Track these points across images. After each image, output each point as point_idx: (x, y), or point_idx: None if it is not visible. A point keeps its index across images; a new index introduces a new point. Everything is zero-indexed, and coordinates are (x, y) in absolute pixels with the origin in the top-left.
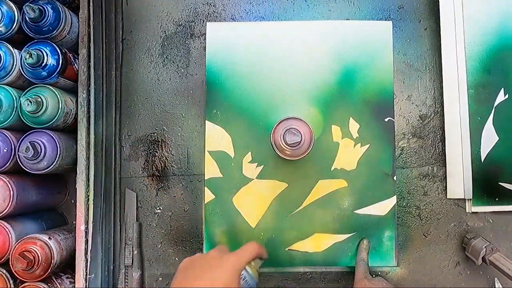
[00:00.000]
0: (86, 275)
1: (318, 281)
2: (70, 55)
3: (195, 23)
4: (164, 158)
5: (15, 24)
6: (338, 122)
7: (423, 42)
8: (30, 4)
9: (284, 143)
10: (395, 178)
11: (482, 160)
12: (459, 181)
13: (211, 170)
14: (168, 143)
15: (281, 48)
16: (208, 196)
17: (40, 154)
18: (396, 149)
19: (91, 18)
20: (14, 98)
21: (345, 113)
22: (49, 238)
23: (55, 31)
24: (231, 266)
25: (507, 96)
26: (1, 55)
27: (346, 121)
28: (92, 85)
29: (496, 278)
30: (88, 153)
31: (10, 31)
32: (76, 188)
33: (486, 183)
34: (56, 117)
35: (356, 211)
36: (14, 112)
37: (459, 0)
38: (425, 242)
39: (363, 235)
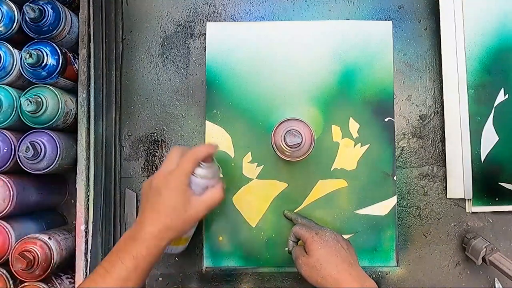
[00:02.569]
0: (86, 275)
1: None
2: (70, 55)
3: (195, 23)
4: (164, 158)
5: (15, 24)
6: (338, 122)
7: (423, 42)
8: (30, 4)
9: (284, 145)
10: (395, 178)
11: (482, 160)
12: (459, 181)
13: None
14: (168, 143)
15: (281, 48)
16: None
17: (40, 154)
18: (396, 149)
19: (91, 18)
20: (14, 98)
21: (345, 113)
22: (49, 238)
23: (55, 31)
24: (174, 184)
25: (507, 96)
26: (1, 55)
27: (346, 121)
28: (92, 85)
29: (496, 278)
30: (88, 153)
31: (10, 31)
32: (76, 188)
33: (486, 183)
34: (56, 117)
35: (356, 211)
36: (14, 112)
37: (459, 0)
38: (425, 242)
39: (363, 235)
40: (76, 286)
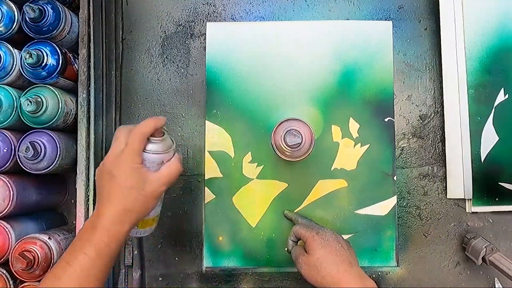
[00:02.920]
0: None
1: None
2: (70, 55)
3: (195, 23)
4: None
5: (15, 24)
6: (338, 122)
7: (423, 42)
8: (30, 4)
9: (284, 145)
10: (395, 178)
11: (482, 160)
12: (459, 181)
13: (211, 170)
14: None
15: (281, 48)
16: (208, 196)
17: (40, 154)
18: (396, 149)
19: (91, 18)
20: (14, 98)
21: (345, 113)
22: (49, 238)
23: (55, 31)
24: (125, 164)
25: (507, 96)
26: (1, 55)
27: (346, 121)
28: (92, 85)
29: (496, 278)
30: (88, 153)
31: (10, 31)
32: (76, 188)
33: (486, 183)
34: (56, 117)
35: (356, 211)
36: (14, 112)
37: (459, 0)
38: (425, 242)
39: (363, 235)
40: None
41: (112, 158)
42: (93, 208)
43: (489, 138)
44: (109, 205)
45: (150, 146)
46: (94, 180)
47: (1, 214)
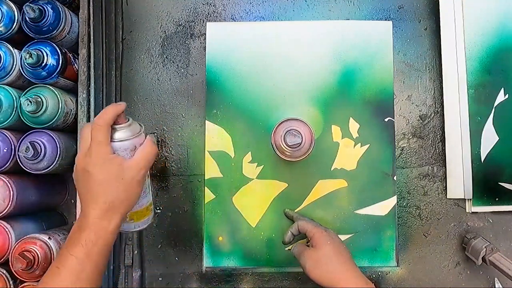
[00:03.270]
0: None
1: None
2: (70, 55)
3: (195, 23)
4: (164, 158)
5: (15, 24)
6: (338, 122)
7: (423, 42)
8: (30, 4)
9: (284, 145)
10: (395, 178)
11: (482, 160)
12: (459, 181)
13: (211, 170)
14: (168, 143)
15: (281, 48)
16: (208, 196)
17: (40, 154)
18: (396, 149)
19: (91, 18)
20: (14, 98)
21: (345, 113)
22: (49, 238)
23: (55, 31)
24: (96, 158)
25: (507, 96)
26: (1, 55)
27: (346, 121)
28: (92, 85)
29: (496, 278)
30: None
31: (10, 31)
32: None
33: (486, 183)
34: (56, 117)
35: (356, 211)
36: (14, 112)
37: (459, 0)
38: (425, 242)
39: (363, 235)
40: None
41: (82, 155)
42: None
43: (489, 138)
44: (91, 202)
45: (117, 135)
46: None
47: (1, 214)
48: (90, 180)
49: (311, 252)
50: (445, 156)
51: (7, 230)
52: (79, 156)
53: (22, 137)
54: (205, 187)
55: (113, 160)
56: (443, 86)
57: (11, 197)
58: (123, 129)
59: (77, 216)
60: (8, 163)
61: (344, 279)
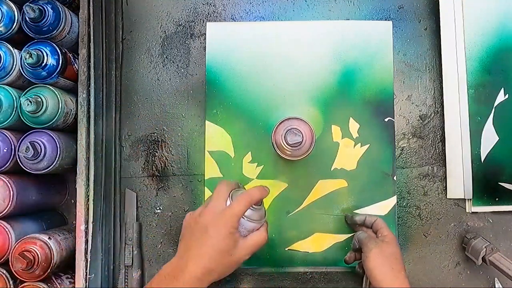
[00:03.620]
0: (86, 275)
1: (318, 281)
2: (70, 55)
3: (195, 23)
4: (164, 158)
5: (15, 24)
6: (338, 122)
7: (423, 42)
8: (30, 4)
9: (285, 143)
10: (395, 178)
11: (482, 160)
12: (459, 181)
13: (211, 170)
14: (168, 143)
15: (281, 48)
16: (208, 196)
17: (40, 154)
18: (396, 149)
19: (91, 18)
20: (14, 98)
21: (345, 113)
22: (49, 238)
23: (55, 31)
24: (224, 226)
25: (507, 96)
26: (1, 55)
27: (346, 121)
28: (92, 85)
29: (496, 278)
30: (88, 153)
31: (10, 31)
32: (76, 188)
33: (486, 183)
34: (56, 117)
35: (356, 211)
36: (14, 112)
37: (459, 0)
38: (425, 242)
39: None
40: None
41: (211, 215)
42: (93, 208)
43: (489, 138)
44: (197, 262)
45: (249, 213)
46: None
47: (1, 214)
48: (207, 241)
49: (384, 246)
50: (445, 156)
51: (7, 230)
52: (209, 211)
53: (22, 137)
54: (205, 187)
55: (234, 236)
56: (443, 86)
57: (11, 197)
58: (256, 211)
59: (77, 216)
60: (8, 163)
61: (402, 283)
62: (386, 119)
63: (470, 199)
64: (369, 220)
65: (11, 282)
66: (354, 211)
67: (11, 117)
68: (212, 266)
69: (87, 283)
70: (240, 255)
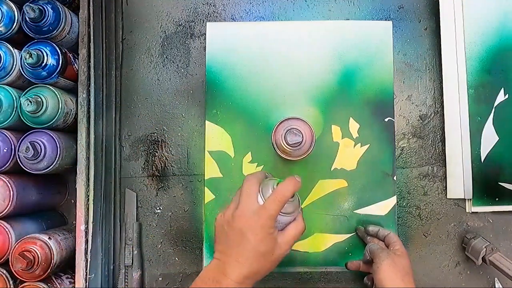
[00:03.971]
0: (86, 275)
1: (318, 281)
2: (70, 55)
3: (195, 23)
4: (164, 158)
5: (15, 24)
6: (338, 122)
7: (423, 42)
8: (30, 4)
9: (285, 143)
10: (395, 178)
11: (482, 160)
12: (459, 181)
13: (211, 170)
14: (168, 143)
15: (281, 48)
16: (208, 196)
17: (40, 154)
18: (396, 149)
19: (91, 18)
20: (14, 98)
21: (345, 113)
22: (49, 238)
23: (55, 31)
24: (261, 229)
25: (507, 96)
26: (1, 55)
27: (346, 121)
28: (92, 85)
29: (496, 278)
30: (88, 153)
31: (10, 31)
32: (76, 188)
33: (486, 183)
34: (56, 117)
35: (356, 211)
36: (14, 112)
37: (459, 0)
38: (425, 242)
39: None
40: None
41: (245, 217)
42: (93, 208)
43: (489, 138)
44: (238, 266)
45: (284, 208)
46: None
47: (1, 214)
48: (245, 245)
49: (396, 258)
50: (445, 156)
51: (7, 230)
52: (242, 214)
53: (22, 137)
54: (205, 187)
55: (272, 235)
56: (443, 86)
57: (11, 197)
58: (291, 204)
59: (77, 216)
60: (8, 163)
61: None
62: (386, 119)
63: (470, 199)
64: (382, 233)
65: (11, 282)
66: (354, 211)
67: (11, 117)
68: (255, 269)
69: (87, 283)
70: (282, 250)
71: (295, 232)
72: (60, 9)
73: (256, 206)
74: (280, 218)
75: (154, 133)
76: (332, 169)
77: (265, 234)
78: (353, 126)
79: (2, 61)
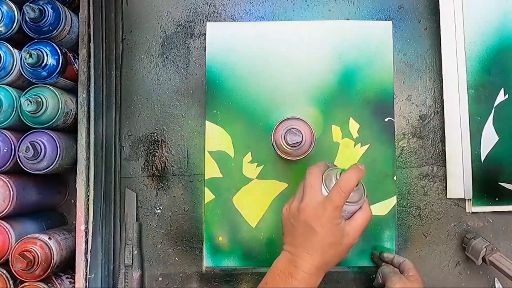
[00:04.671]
0: (86, 275)
1: None
2: (70, 55)
3: (195, 23)
4: (164, 158)
5: (15, 24)
6: (338, 122)
7: (423, 42)
8: (30, 4)
9: (285, 143)
10: (395, 178)
11: (482, 160)
12: (459, 181)
13: (211, 170)
14: (168, 143)
15: (281, 48)
16: (208, 196)
17: (40, 154)
18: (396, 149)
19: (91, 18)
20: (14, 98)
21: (345, 113)
22: (49, 238)
23: (55, 31)
24: (328, 221)
25: (507, 96)
26: (1, 55)
27: (346, 121)
28: (92, 85)
29: (496, 278)
30: (88, 153)
31: (10, 31)
32: (76, 188)
33: (486, 183)
34: (56, 117)
35: None
36: (14, 112)
37: (459, 0)
38: (425, 242)
39: (363, 235)
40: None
41: (311, 210)
42: (93, 208)
43: (489, 138)
44: (309, 259)
45: (350, 197)
46: (281, 220)
47: (1, 214)
48: (313, 237)
49: (406, 281)
50: (445, 156)
51: (7, 230)
52: (307, 207)
53: (22, 137)
54: (205, 187)
55: (339, 225)
56: (443, 86)
57: (11, 197)
58: (356, 192)
59: (77, 216)
60: (8, 163)
61: None
62: (386, 119)
63: (470, 199)
64: (397, 260)
65: (11, 282)
66: None
67: (11, 117)
68: (325, 260)
69: (87, 283)
70: (350, 239)
71: (362, 220)
72: (60, 9)
73: (321, 197)
74: (346, 208)
75: (154, 133)
76: None
77: (332, 225)
78: (353, 126)
79: (2, 61)
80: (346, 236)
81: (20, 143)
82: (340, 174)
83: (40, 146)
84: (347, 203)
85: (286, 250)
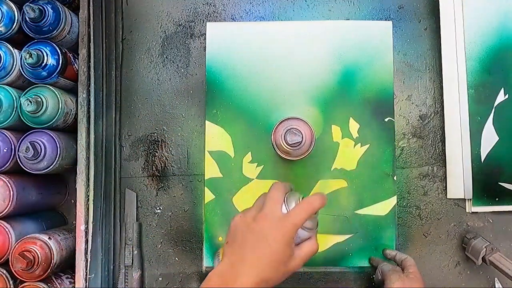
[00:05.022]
0: (86, 275)
1: (318, 281)
2: (70, 55)
3: (195, 23)
4: (164, 158)
5: (15, 24)
6: (338, 122)
7: (423, 42)
8: (30, 4)
9: (285, 143)
10: (395, 178)
11: (482, 160)
12: (459, 181)
13: (211, 170)
14: (168, 143)
15: (281, 48)
16: (208, 196)
17: (40, 154)
18: (396, 149)
19: (91, 18)
20: (14, 98)
21: (345, 113)
22: (49, 238)
23: (55, 31)
24: (283, 236)
25: (507, 96)
26: (1, 55)
27: (346, 121)
28: (92, 85)
29: (496, 278)
30: (88, 153)
31: (10, 31)
32: (76, 188)
33: (486, 183)
34: (56, 117)
35: (356, 211)
36: (14, 112)
37: (459, 0)
38: (425, 242)
39: (363, 235)
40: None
41: (268, 222)
42: (93, 208)
43: (489, 138)
44: (253, 272)
45: (307, 223)
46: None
47: (1, 214)
48: (265, 250)
49: (405, 278)
50: (445, 156)
51: (7, 230)
52: (265, 218)
53: (22, 137)
54: (205, 187)
55: (291, 246)
56: (443, 86)
57: (11, 197)
58: (313, 220)
59: (77, 216)
60: (8, 163)
61: None
62: (386, 119)
63: (470, 199)
64: (399, 257)
65: (11, 282)
66: (354, 211)
67: (11, 117)
68: (268, 276)
69: (87, 283)
70: (295, 265)
71: (309, 250)
72: (60, 9)
73: (281, 213)
74: (300, 232)
75: (154, 133)
76: (332, 169)
77: (285, 243)
78: (353, 126)
79: (2, 61)
80: (293, 260)
81: (20, 143)
82: (302, 198)
83: (40, 146)
84: (302, 228)
85: (225, 262)
